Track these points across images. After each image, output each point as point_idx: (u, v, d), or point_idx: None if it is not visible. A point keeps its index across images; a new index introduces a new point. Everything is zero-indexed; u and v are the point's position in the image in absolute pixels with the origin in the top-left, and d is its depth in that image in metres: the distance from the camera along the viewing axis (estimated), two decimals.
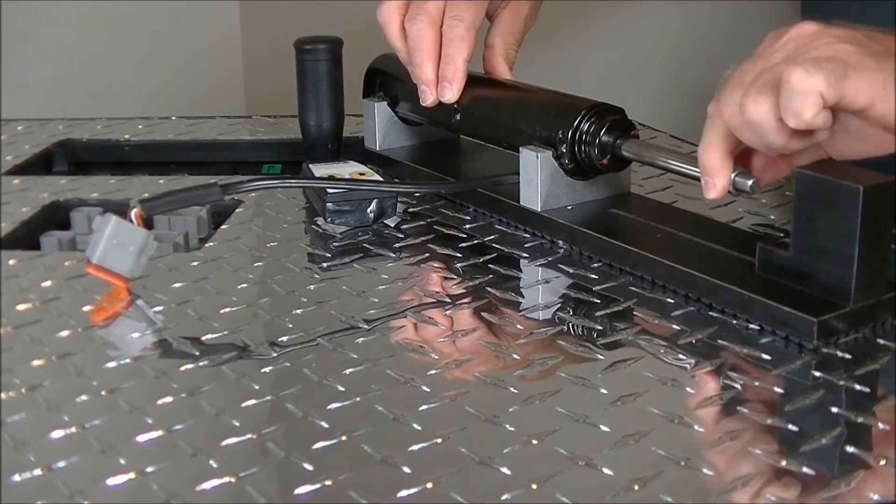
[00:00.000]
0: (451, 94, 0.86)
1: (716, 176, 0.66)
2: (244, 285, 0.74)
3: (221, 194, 0.75)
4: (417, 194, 0.90)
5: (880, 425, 0.55)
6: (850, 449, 0.53)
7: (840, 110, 0.61)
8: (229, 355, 0.63)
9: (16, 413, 0.57)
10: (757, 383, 0.59)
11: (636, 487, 0.50)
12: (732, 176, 0.66)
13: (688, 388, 0.59)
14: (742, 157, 0.67)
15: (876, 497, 0.49)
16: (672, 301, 0.69)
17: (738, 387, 0.58)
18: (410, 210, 0.87)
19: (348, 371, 0.61)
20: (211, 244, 0.81)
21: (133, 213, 0.71)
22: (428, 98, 0.87)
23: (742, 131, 0.63)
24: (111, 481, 0.51)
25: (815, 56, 0.60)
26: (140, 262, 0.71)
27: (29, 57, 1.71)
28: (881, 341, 0.63)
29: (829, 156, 0.66)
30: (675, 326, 0.66)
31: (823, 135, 0.63)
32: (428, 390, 0.59)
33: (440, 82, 0.86)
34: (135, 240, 0.71)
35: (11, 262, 0.78)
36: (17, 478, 0.51)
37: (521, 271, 0.76)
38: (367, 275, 0.75)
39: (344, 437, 0.54)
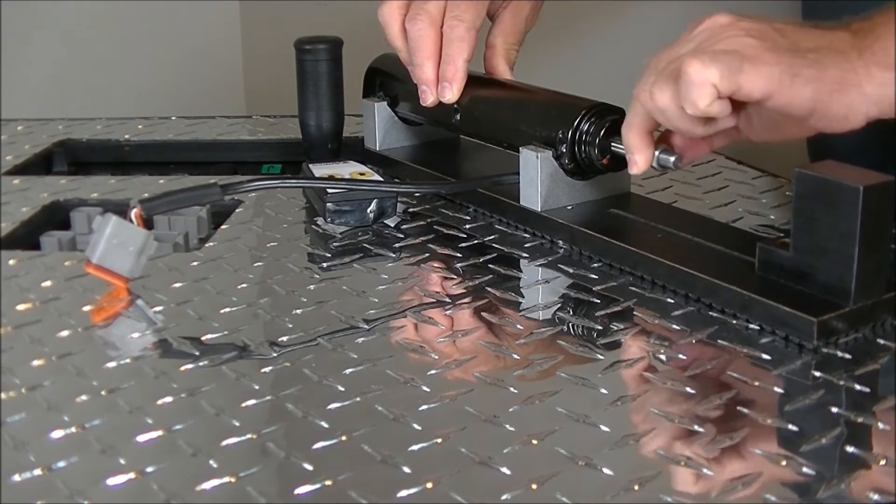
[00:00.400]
0: (451, 95, 0.86)
1: (636, 153, 0.71)
2: (244, 285, 0.74)
3: (221, 194, 0.75)
4: (417, 194, 0.90)
5: (880, 425, 0.55)
6: (850, 449, 0.53)
7: (740, 100, 0.64)
8: (229, 355, 0.63)
9: (16, 413, 0.57)
10: (757, 383, 0.59)
11: (636, 487, 0.50)
12: (657, 153, 0.71)
13: (687, 389, 0.59)
14: (667, 136, 0.72)
15: (876, 497, 0.49)
16: (672, 301, 0.69)
17: (738, 387, 0.58)
18: (410, 210, 0.87)
19: (348, 371, 0.61)
20: (211, 244, 0.81)
21: (133, 213, 0.71)
22: (428, 98, 0.87)
23: (655, 115, 0.68)
24: (111, 481, 0.51)
25: (716, 49, 0.63)
26: (140, 262, 0.71)
27: (29, 57, 1.71)
28: (881, 341, 0.63)
29: (748, 139, 0.70)
30: (675, 326, 0.66)
31: (728, 121, 0.67)
32: (428, 390, 0.59)
33: (440, 82, 0.86)
34: (135, 240, 0.71)
35: (11, 262, 0.78)
36: (17, 478, 0.51)
37: (521, 271, 0.75)
38: (367, 275, 0.75)
39: (344, 437, 0.54)
